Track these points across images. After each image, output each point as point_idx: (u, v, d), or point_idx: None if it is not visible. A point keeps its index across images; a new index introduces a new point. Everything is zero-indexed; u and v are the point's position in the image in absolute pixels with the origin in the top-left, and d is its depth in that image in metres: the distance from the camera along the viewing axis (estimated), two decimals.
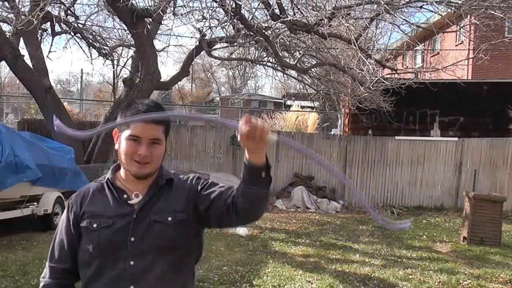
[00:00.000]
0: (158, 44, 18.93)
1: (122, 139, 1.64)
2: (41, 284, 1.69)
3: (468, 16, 9.17)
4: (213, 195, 1.66)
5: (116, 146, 1.68)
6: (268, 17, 7.97)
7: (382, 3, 6.72)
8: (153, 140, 1.63)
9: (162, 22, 9.30)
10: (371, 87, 9.54)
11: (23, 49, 9.92)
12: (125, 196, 1.68)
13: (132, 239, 1.60)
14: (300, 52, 10.73)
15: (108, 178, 1.71)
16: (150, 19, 8.65)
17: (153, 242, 1.61)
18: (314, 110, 18.23)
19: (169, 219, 1.63)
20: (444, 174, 11.96)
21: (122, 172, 1.72)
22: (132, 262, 1.59)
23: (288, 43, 10.15)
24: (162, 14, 7.67)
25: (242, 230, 7.92)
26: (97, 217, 1.64)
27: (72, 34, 10.59)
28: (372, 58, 10.04)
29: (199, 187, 1.71)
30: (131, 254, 1.59)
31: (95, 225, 1.63)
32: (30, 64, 9.91)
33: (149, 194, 1.67)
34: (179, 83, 13.01)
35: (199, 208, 1.66)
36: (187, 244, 1.67)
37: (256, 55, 11.04)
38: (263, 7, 7.65)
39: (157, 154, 1.64)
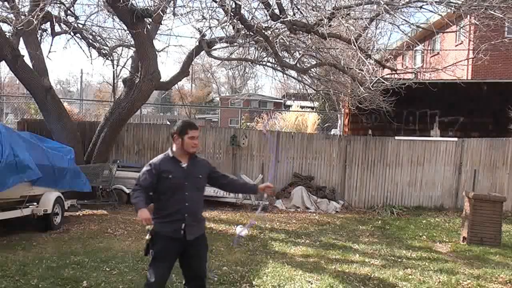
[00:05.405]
0: (158, 44, 18.92)
1: (185, 138, 3.64)
2: (137, 187, 3.61)
3: (468, 16, 9.16)
4: (215, 175, 3.90)
5: (178, 142, 3.65)
6: (268, 17, 7.96)
7: (382, 3, 6.72)
8: (197, 138, 3.72)
9: (162, 22, 9.30)
10: (371, 87, 9.53)
11: (23, 49, 9.93)
12: (180, 162, 3.67)
13: (186, 183, 3.63)
14: (300, 52, 10.72)
15: (170, 154, 3.68)
16: (150, 19, 8.66)
17: (195, 185, 3.69)
18: (314, 110, 18.23)
19: (200, 176, 3.75)
20: (444, 174, 11.96)
21: (175, 151, 3.68)
22: (187, 193, 3.62)
23: (288, 43, 10.15)
24: (162, 14, 7.68)
25: (242, 230, 7.91)
26: (169, 172, 3.61)
27: (72, 34, 10.59)
28: (372, 58, 10.03)
29: (212, 168, 3.90)
30: (186, 190, 3.61)
31: (170, 176, 3.60)
32: (30, 64, 9.90)
33: (189, 163, 3.70)
34: (179, 83, 13.00)
35: (209, 176, 3.83)
36: (204, 187, 3.85)
37: (256, 55, 11.04)
38: (263, 7, 7.65)
39: (198, 144, 3.73)
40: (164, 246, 3.54)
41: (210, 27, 7.89)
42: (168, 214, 3.56)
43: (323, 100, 16.88)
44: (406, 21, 8.21)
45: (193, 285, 3.73)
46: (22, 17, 8.75)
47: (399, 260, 6.66)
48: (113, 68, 12.01)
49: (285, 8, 7.65)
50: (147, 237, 3.56)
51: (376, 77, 10.06)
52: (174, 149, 3.69)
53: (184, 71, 11.22)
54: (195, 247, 3.65)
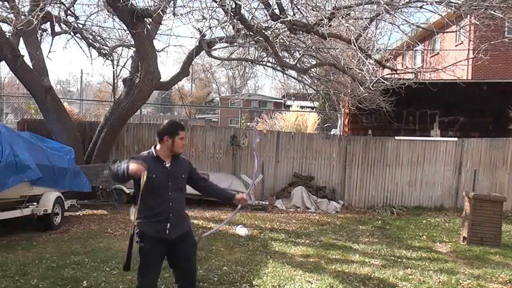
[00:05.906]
0: (158, 44, 18.91)
1: (176, 139, 3.60)
2: (118, 165, 3.49)
3: (468, 16, 9.16)
4: (195, 177, 3.86)
5: (168, 142, 3.59)
6: (268, 17, 7.96)
7: (382, 3, 6.71)
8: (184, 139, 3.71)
9: (162, 22, 9.30)
10: (371, 87, 9.53)
11: (23, 49, 9.93)
12: (163, 162, 3.63)
13: (170, 183, 3.60)
14: (300, 52, 10.73)
15: (154, 153, 3.63)
16: (150, 19, 8.65)
17: (178, 185, 3.66)
18: (314, 110, 18.22)
19: (183, 176, 3.72)
20: (444, 174, 11.97)
21: (159, 150, 3.63)
22: (170, 193, 3.59)
23: (288, 43, 10.14)
24: (162, 14, 7.67)
25: (242, 230, 7.91)
26: (153, 172, 3.46)
27: (72, 34, 10.60)
28: (372, 58, 10.03)
29: (193, 169, 3.86)
30: (170, 190, 3.59)
31: (154, 176, 3.46)
32: (30, 64, 9.90)
33: (172, 163, 3.66)
34: (179, 83, 13.00)
35: (189, 177, 3.79)
36: (185, 187, 3.76)
37: (256, 55, 11.04)
38: (263, 7, 7.64)
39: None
40: (151, 246, 3.55)
41: (210, 27, 7.90)
42: (153, 215, 3.55)
43: (323, 100, 16.88)
44: (406, 21, 8.21)
45: (183, 283, 3.70)
46: (22, 17, 8.75)
47: (399, 260, 6.65)
48: (113, 68, 12.03)
49: (285, 8, 7.65)
50: (131, 232, 3.47)
51: (376, 77, 10.06)
52: (158, 148, 3.64)
53: (184, 71, 11.22)
54: (182, 245, 3.65)
